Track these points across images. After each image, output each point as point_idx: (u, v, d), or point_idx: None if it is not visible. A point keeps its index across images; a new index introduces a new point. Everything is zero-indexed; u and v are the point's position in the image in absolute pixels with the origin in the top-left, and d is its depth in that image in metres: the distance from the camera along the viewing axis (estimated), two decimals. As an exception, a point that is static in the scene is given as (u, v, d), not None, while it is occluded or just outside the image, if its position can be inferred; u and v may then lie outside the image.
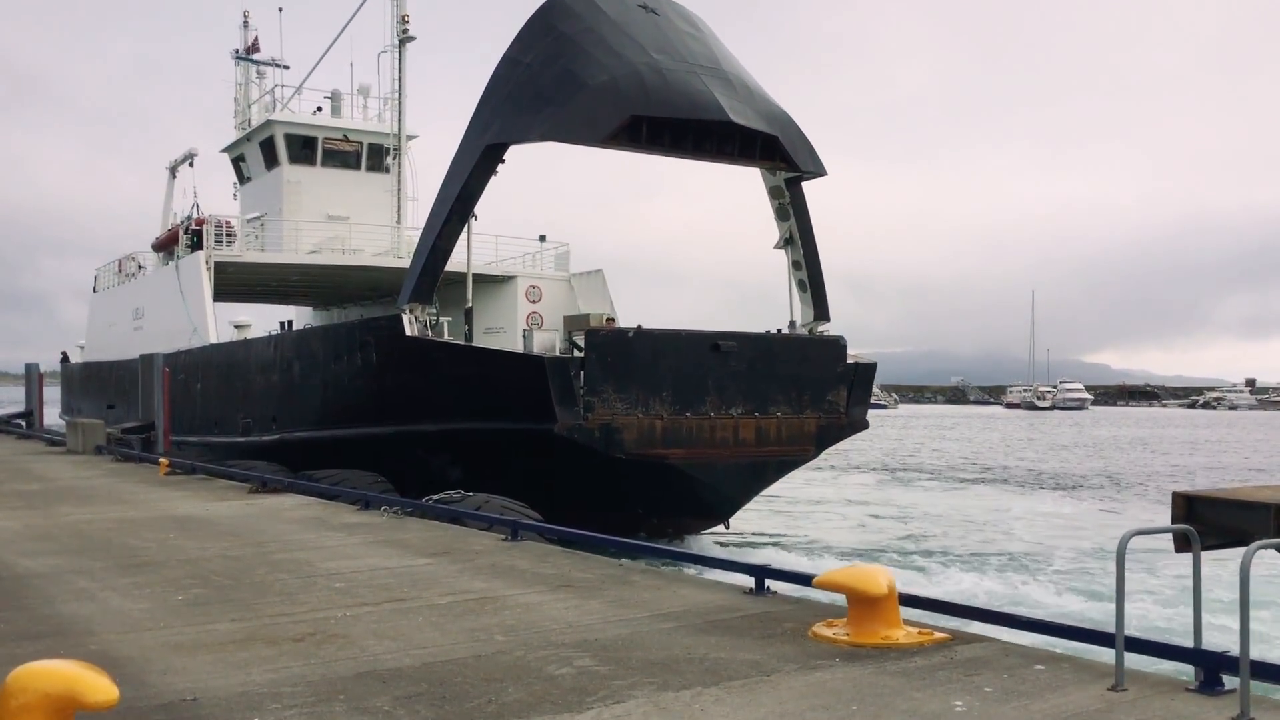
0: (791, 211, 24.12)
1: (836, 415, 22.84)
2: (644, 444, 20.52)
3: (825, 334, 24.15)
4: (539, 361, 20.38)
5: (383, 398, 22.93)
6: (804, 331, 24.32)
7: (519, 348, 24.79)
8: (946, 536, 26.22)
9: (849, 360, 23.19)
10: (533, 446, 20.45)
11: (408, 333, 21.67)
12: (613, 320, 25.35)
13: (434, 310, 22.27)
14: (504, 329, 30.26)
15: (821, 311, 24.47)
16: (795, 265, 24.59)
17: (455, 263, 22.57)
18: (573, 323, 25.68)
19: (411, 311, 21.81)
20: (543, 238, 32.65)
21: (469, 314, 23.84)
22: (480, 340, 24.13)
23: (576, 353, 21.07)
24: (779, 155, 22.49)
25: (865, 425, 23.72)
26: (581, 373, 20.08)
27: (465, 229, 22.14)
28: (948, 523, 29.08)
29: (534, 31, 22.14)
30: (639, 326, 20.88)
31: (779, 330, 23.92)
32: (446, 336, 22.61)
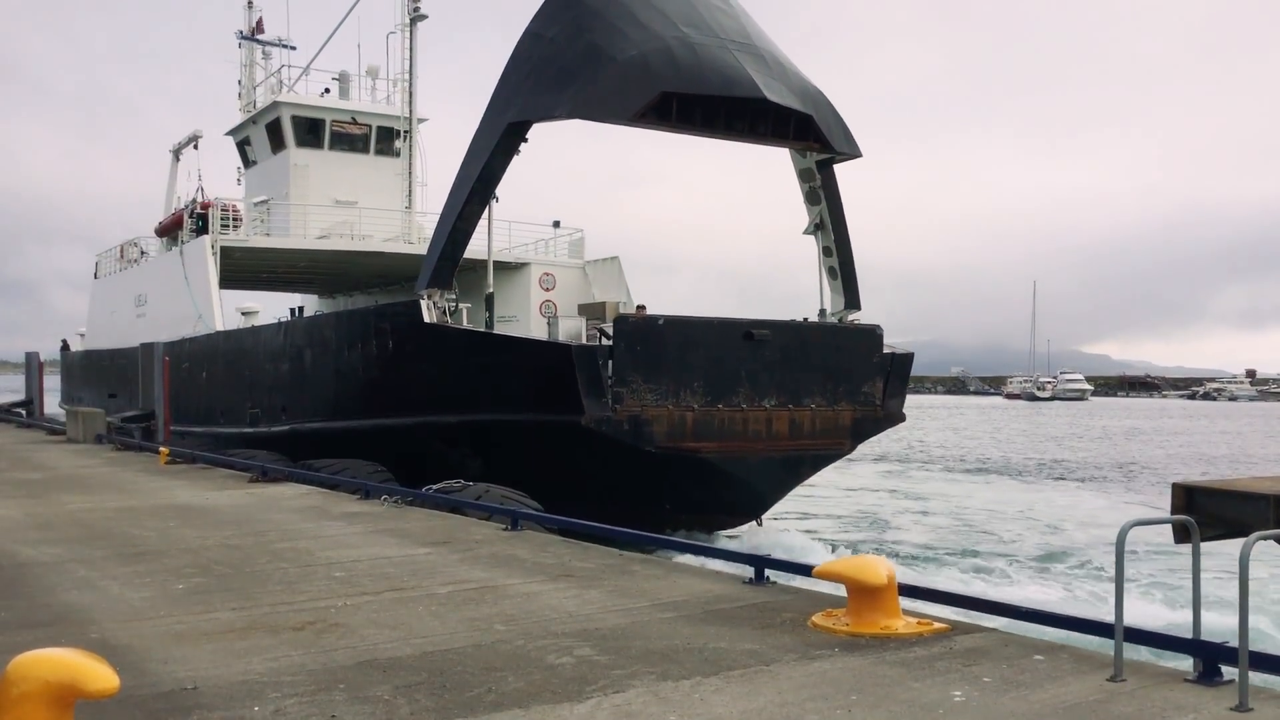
0: (823, 195, 24.09)
1: (872, 407, 22.79)
2: (675, 437, 20.38)
3: (857, 323, 24.12)
4: (565, 350, 20.18)
5: (399, 387, 22.97)
6: (834, 320, 24.38)
7: (537, 336, 24.88)
8: (1022, 540, 25.87)
9: (885, 350, 23.22)
10: (558, 439, 20.40)
11: (426, 319, 21.66)
12: (643, 308, 25.34)
13: (453, 296, 22.20)
14: (517, 317, 30.34)
15: (852, 300, 24.49)
16: (825, 252, 24.57)
17: (471, 249, 22.60)
18: (588, 310, 25.66)
19: (430, 297, 21.79)
20: (557, 224, 32.74)
21: (490, 300, 23.77)
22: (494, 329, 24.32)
23: (604, 341, 20.87)
24: (813, 135, 22.45)
25: (902, 418, 23.72)
26: (609, 362, 19.94)
27: (486, 211, 22.17)
28: (1017, 522, 29.00)
29: (557, 5, 22.10)
30: (669, 314, 20.87)
31: (805, 319, 23.94)
32: (466, 323, 22.61)
